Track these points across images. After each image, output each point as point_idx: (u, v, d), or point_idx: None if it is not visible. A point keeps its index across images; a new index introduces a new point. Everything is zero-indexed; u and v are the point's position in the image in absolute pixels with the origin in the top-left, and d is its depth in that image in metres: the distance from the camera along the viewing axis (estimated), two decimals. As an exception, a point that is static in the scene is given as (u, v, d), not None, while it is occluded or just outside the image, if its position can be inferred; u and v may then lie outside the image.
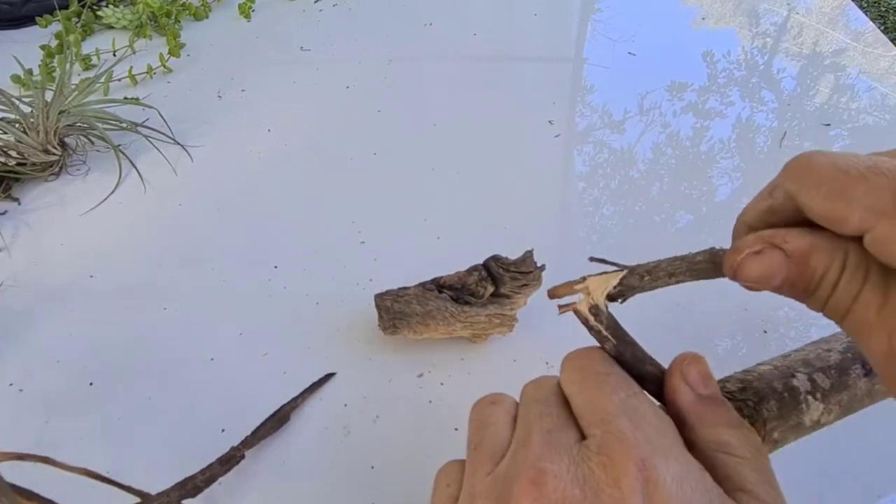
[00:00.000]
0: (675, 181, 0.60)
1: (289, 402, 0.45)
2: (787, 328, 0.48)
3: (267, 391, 0.45)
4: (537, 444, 0.24)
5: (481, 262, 0.46)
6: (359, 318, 0.50)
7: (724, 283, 0.51)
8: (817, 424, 0.32)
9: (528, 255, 0.45)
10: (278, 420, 0.43)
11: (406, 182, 0.60)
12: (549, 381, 0.29)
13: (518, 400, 0.30)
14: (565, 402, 0.27)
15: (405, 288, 0.46)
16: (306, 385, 0.46)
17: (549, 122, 0.66)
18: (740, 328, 0.48)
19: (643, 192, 0.59)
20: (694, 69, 0.73)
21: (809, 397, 0.31)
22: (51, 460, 0.33)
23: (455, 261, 0.48)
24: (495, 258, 0.45)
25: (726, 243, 0.58)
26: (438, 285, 0.46)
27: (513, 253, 0.46)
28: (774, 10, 0.83)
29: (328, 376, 0.46)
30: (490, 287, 0.45)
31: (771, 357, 0.35)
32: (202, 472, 0.39)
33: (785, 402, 0.31)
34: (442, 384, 0.46)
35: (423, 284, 0.46)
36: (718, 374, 0.45)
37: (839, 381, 0.32)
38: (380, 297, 0.45)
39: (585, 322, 0.28)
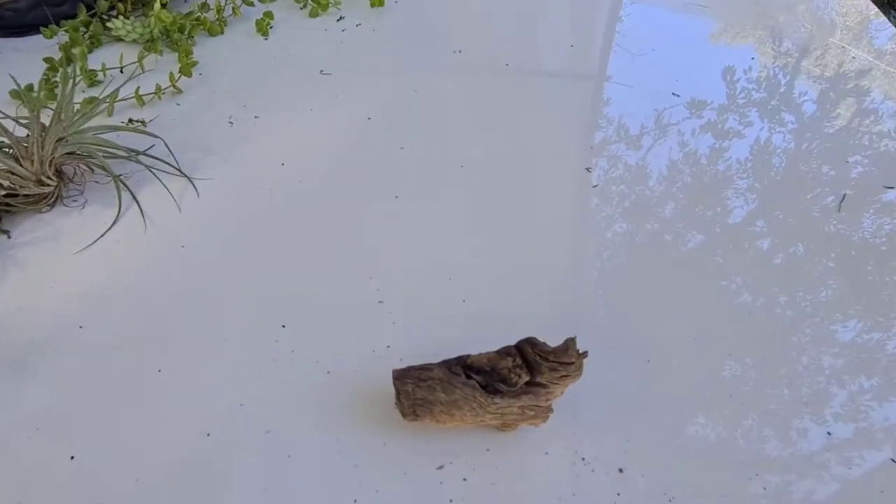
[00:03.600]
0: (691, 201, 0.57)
1: None
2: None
3: (268, 478, 0.40)
4: None
5: (512, 338, 0.41)
6: (373, 392, 0.45)
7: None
8: None
9: (570, 344, 0.39)
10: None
11: (429, 233, 0.55)
12: None
13: None
14: None
15: (427, 367, 0.41)
16: (312, 472, 0.41)
17: (587, 169, 0.61)
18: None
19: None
20: (714, 87, 0.70)
21: None
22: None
23: (482, 329, 0.43)
24: (531, 342, 0.40)
25: (738, 266, 0.53)
26: (465, 366, 0.41)
27: (544, 321, 0.41)
28: (797, 23, 0.78)
29: None
30: (525, 376, 0.39)
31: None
32: None
33: None
34: (465, 479, 0.41)
35: (447, 364, 0.41)
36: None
37: None
38: (400, 380, 0.40)
39: None
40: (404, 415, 0.40)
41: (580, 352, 0.40)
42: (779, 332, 0.49)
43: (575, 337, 0.40)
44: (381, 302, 0.50)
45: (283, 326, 0.48)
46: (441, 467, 0.41)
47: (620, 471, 0.41)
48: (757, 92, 0.70)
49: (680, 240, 0.55)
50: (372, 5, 0.83)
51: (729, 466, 0.42)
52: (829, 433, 0.44)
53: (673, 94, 0.70)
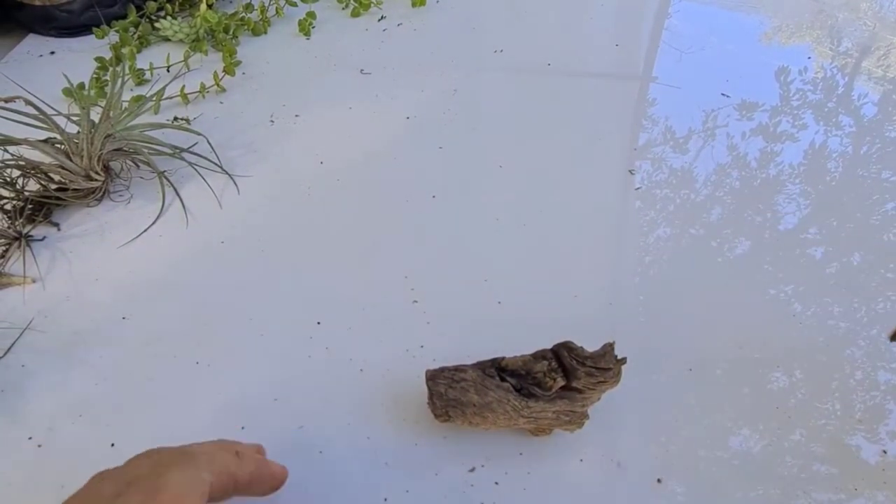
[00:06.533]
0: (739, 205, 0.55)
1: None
2: None
3: (300, 473, 0.40)
4: None
5: (548, 342, 0.40)
6: (406, 392, 0.44)
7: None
8: None
9: (609, 349, 0.38)
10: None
11: (466, 233, 0.55)
12: None
13: None
14: None
15: (461, 368, 0.40)
16: (343, 469, 0.40)
17: (630, 171, 0.59)
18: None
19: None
20: (766, 88, 0.68)
21: None
22: None
23: (517, 332, 0.42)
24: (568, 347, 0.39)
25: (788, 275, 0.51)
26: (499, 368, 0.40)
27: (581, 327, 0.40)
28: (858, 21, 0.74)
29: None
30: (560, 380, 0.38)
31: None
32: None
33: None
34: (497, 483, 0.40)
35: (481, 366, 0.40)
36: None
37: None
38: (433, 380, 0.40)
39: None
40: (436, 415, 0.40)
41: (619, 358, 0.39)
42: (831, 344, 0.46)
43: (613, 342, 0.38)
44: (415, 301, 0.50)
45: (318, 323, 0.49)
46: (472, 470, 0.40)
47: (658, 481, 0.40)
48: (813, 93, 0.67)
49: (727, 246, 0.53)
50: (413, 5, 0.83)
51: (774, 483, 0.40)
52: (884, 451, 0.41)
53: (722, 94, 0.68)
